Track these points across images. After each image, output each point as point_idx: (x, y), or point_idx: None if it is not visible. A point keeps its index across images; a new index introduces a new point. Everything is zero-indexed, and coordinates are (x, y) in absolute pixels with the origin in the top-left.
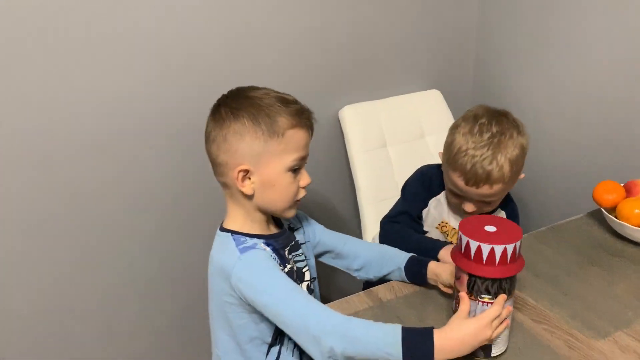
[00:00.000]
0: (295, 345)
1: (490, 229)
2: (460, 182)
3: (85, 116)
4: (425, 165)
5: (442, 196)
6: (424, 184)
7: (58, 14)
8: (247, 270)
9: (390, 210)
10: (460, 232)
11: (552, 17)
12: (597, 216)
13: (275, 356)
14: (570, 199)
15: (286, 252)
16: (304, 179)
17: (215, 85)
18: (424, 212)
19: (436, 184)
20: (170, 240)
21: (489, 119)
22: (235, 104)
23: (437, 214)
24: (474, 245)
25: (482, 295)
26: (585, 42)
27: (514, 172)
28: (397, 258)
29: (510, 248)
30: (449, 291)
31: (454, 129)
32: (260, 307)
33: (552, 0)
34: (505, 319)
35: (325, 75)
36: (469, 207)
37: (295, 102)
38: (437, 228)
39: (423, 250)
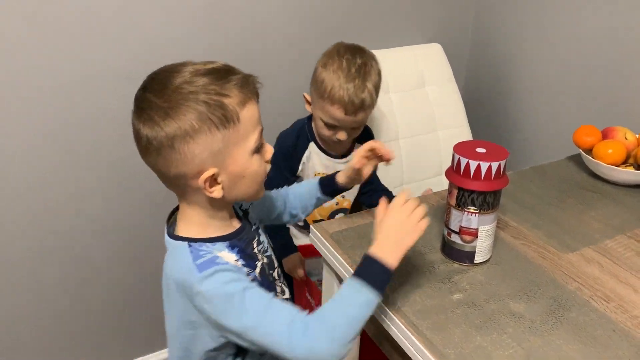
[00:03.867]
0: (262, 355)
1: (481, 150)
2: (339, 114)
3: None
4: (280, 135)
5: (309, 151)
6: (285, 155)
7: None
8: (210, 295)
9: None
10: (453, 152)
11: None
12: (576, 159)
13: None
14: (555, 147)
15: (254, 248)
16: (268, 151)
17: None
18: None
19: (303, 142)
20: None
21: (352, 54)
22: (167, 102)
23: (310, 168)
24: (463, 162)
25: (468, 207)
26: (570, 4)
27: (377, 95)
28: (312, 191)
29: (495, 165)
30: (364, 162)
31: (322, 68)
32: (233, 333)
33: None
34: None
35: (332, 23)
36: (342, 135)
37: (232, 71)
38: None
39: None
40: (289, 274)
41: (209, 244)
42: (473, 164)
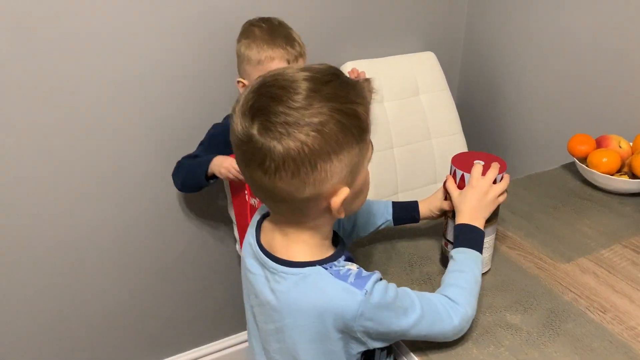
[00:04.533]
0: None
1: (479, 162)
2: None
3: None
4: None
5: None
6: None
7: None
8: (379, 308)
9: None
10: (452, 164)
11: None
12: (570, 168)
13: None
14: (549, 154)
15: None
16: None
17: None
18: None
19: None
20: (170, 238)
21: (256, 21)
22: (303, 113)
23: None
24: (459, 173)
25: None
26: (563, 10)
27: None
28: (382, 210)
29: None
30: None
31: (239, 49)
32: (397, 334)
33: None
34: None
35: (325, 32)
36: None
37: (344, 75)
38: None
39: (193, 171)
40: (223, 176)
41: (335, 262)
42: (467, 177)
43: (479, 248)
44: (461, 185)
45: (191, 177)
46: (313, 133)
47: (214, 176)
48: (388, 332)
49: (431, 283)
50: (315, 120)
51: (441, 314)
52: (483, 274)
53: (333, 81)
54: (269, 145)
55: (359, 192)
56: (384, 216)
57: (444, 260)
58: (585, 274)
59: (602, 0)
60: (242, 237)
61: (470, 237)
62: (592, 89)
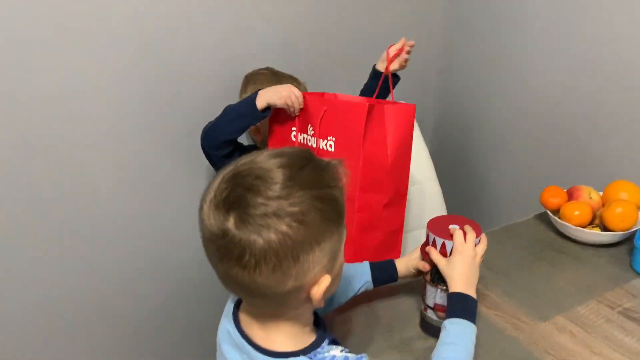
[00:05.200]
0: None
1: (454, 227)
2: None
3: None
4: None
5: None
6: None
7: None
8: None
9: None
10: (428, 230)
11: (504, 37)
12: (543, 218)
13: None
14: (521, 202)
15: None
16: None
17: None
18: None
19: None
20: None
21: (256, 70)
22: (281, 203)
23: None
24: (439, 241)
25: (442, 284)
26: (534, 62)
27: None
28: (360, 273)
29: None
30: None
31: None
32: None
33: (505, 23)
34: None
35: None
36: None
37: (316, 157)
38: None
39: (241, 109)
40: (281, 104)
41: (319, 349)
42: (448, 244)
43: (473, 318)
44: (443, 252)
45: (239, 117)
46: (295, 224)
47: (266, 109)
48: None
49: (410, 349)
50: (296, 209)
51: None
52: None
53: (307, 165)
54: (249, 239)
55: (337, 276)
56: (363, 278)
57: (424, 325)
58: (562, 333)
59: (569, 56)
60: None
61: (465, 306)
62: (564, 139)
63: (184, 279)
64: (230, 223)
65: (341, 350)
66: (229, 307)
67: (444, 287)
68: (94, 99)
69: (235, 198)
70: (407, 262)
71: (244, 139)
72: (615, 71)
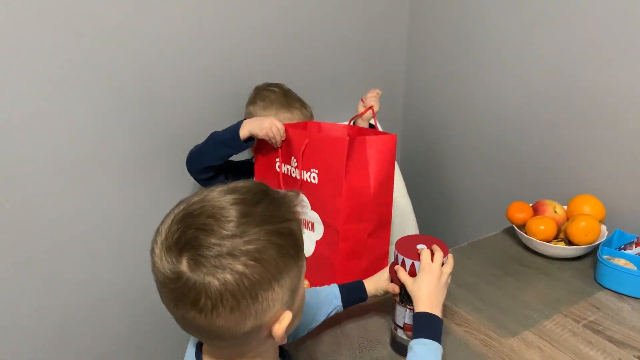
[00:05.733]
0: None
1: (422, 247)
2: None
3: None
4: None
5: None
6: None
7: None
8: None
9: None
10: (396, 251)
11: (468, 55)
12: (510, 232)
13: None
14: (489, 217)
15: None
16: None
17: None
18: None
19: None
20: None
21: (267, 86)
22: (235, 242)
23: None
24: (408, 262)
25: (411, 303)
26: (495, 84)
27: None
28: (330, 297)
29: None
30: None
31: (254, 111)
32: None
33: (469, 43)
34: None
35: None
36: None
37: (271, 190)
38: None
39: (225, 137)
40: (262, 135)
41: None
42: (417, 265)
43: (438, 338)
44: (411, 272)
45: (221, 145)
46: (251, 262)
47: (249, 139)
48: None
49: None
50: (252, 247)
51: None
52: None
53: (263, 200)
54: (203, 281)
55: (299, 311)
56: (334, 302)
57: (394, 344)
58: (530, 348)
59: (532, 70)
60: None
61: (430, 326)
62: (527, 156)
63: None
64: (184, 266)
65: None
66: (191, 350)
67: (412, 307)
68: (88, 101)
69: (188, 239)
70: (376, 283)
71: (240, 155)
72: (570, 94)
